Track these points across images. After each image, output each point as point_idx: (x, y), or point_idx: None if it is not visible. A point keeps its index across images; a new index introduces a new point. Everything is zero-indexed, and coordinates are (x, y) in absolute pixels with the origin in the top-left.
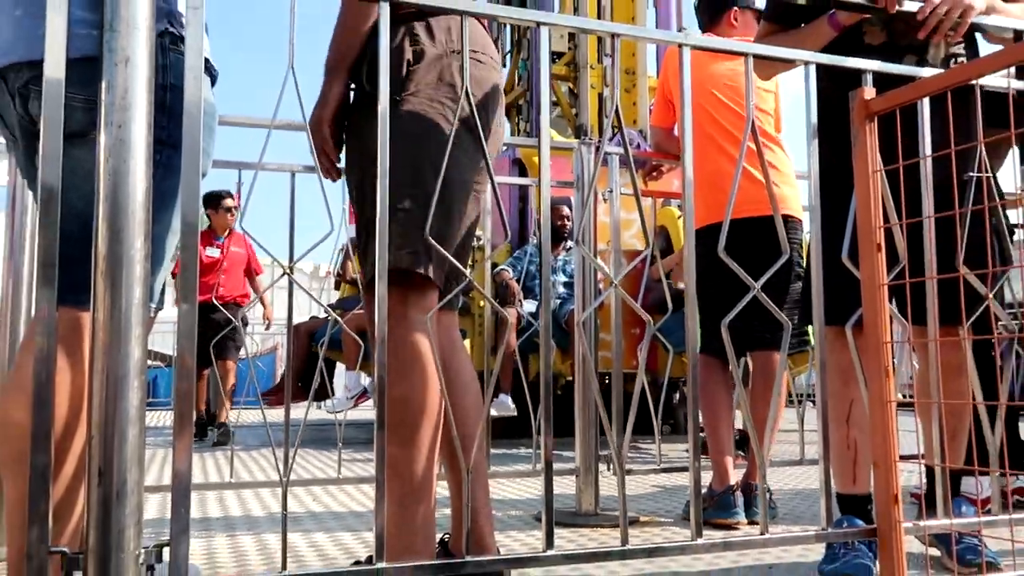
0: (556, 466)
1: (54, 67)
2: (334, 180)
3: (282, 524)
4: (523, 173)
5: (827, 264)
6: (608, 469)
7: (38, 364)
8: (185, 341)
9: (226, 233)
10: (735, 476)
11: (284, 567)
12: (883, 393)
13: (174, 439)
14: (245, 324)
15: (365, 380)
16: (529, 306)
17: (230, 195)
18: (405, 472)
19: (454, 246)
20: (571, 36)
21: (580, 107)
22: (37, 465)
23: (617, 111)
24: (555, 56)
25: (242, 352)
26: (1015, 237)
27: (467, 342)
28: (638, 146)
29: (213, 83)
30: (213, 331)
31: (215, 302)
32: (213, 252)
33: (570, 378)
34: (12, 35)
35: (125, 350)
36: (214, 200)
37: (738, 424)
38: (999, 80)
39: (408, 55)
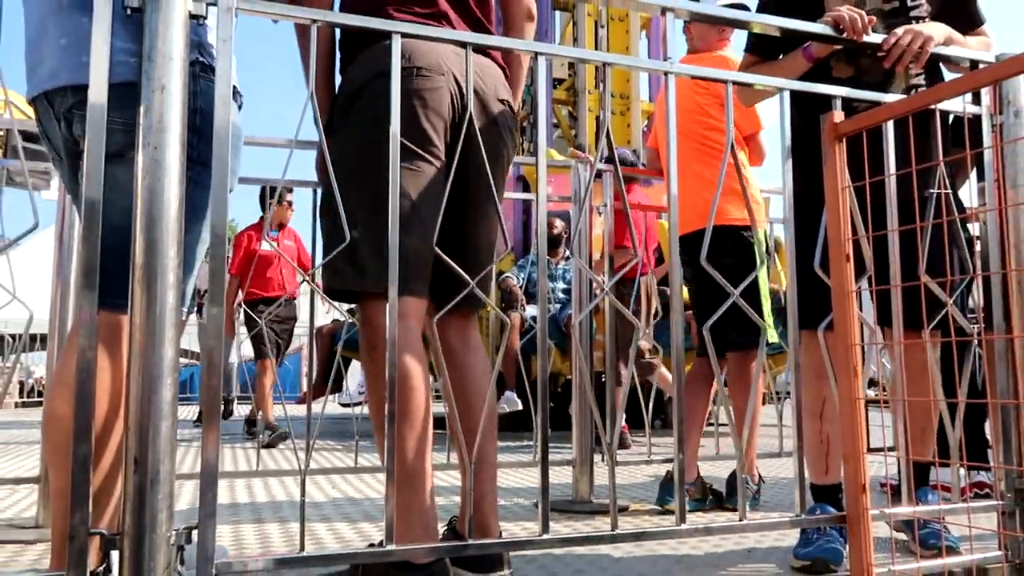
0: (555, 457)
1: (97, 92)
2: None
3: (300, 510)
4: (527, 189)
5: (801, 273)
6: (602, 460)
7: (80, 362)
8: (213, 342)
9: (279, 227)
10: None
11: (303, 548)
12: (852, 391)
13: (203, 431)
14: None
15: None
16: (532, 310)
17: (289, 190)
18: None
19: (404, 255)
20: (571, 64)
21: (579, 129)
22: (79, 455)
23: (608, 133)
24: (556, 82)
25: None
26: (976, 248)
27: None
28: (632, 164)
29: (240, 107)
30: (275, 324)
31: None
32: (266, 246)
33: (569, 377)
34: (57, 62)
35: (159, 351)
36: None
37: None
38: (956, 104)
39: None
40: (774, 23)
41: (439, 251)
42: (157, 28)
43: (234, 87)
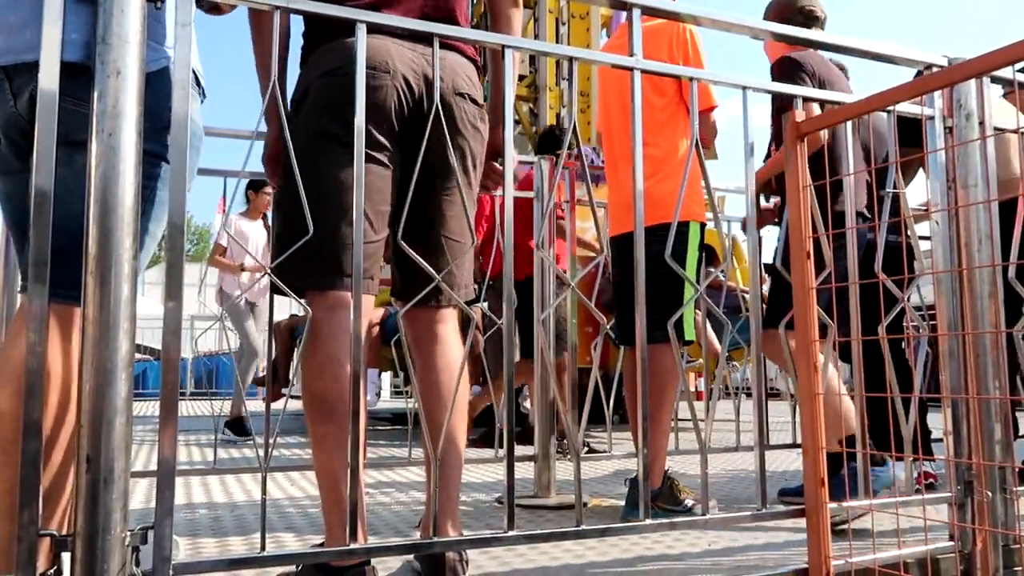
0: (518, 452)
1: (48, 76)
2: None
3: (261, 508)
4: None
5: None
6: (564, 456)
7: (30, 357)
8: (171, 337)
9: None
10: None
11: (263, 548)
12: (811, 386)
13: (160, 427)
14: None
15: None
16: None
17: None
18: (318, 455)
19: (326, 249)
20: (532, 60)
21: (539, 125)
22: (28, 451)
23: (575, 129)
24: (518, 78)
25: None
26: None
27: None
28: (592, 161)
29: (202, 100)
30: None
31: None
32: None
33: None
34: (34, 37)
35: (113, 344)
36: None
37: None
38: (912, 107)
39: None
40: (729, 20)
41: (404, 245)
42: (111, 10)
43: (197, 79)
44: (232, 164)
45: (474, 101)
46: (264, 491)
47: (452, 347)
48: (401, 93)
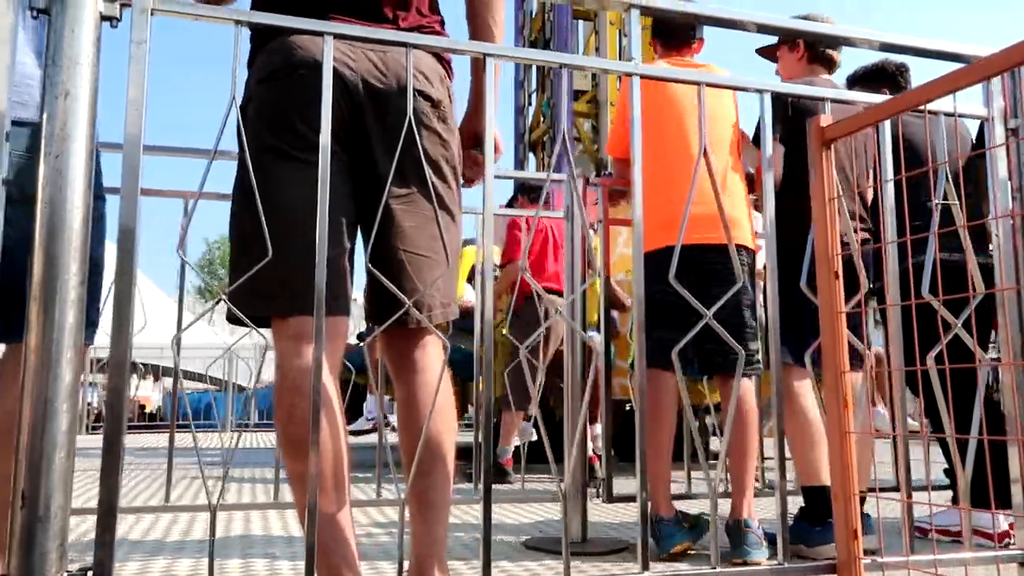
0: (545, 489)
1: None
2: None
3: (209, 549)
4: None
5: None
6: (597, 496)
7: None
8: (117, 365)
9: None
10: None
11: None
12: (841, 423)
13: (102, 462)
14: None
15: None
16: None
17: None
18: (296, 496)
19: (281, 272)
20: (593, 75)
21: (601, 143)
22: None
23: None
24: (577, 94)
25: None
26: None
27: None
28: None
29: None
30: None
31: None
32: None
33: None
34: None
35: (55, 372)
36: None
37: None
38: (946, 104)
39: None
40: (746, 18)
41: (372, 267)
42: (63, 31)
43: None
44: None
45: (427, 97)
46: (212, 532)
47: (432, 377)
48: (335, 90)
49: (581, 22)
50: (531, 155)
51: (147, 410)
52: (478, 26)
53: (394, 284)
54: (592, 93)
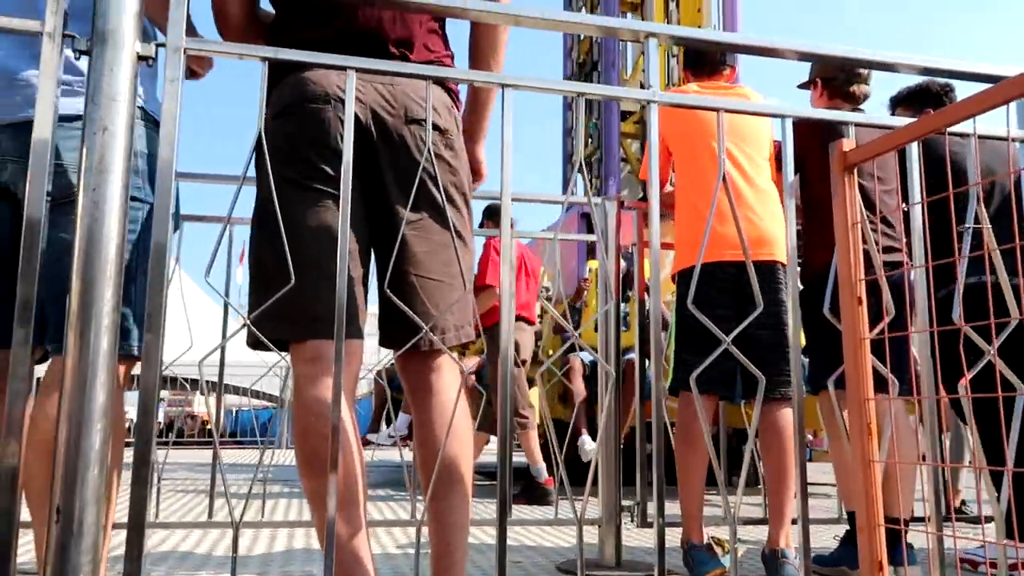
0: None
1: (42, 128)
2: None
3: (231, 566)
4: (591, 228)
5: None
6: (631, 521)
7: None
8: (151, 380)
9: None
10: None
11: None
12: (865, 452)
13: (132, 480)
14: None
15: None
16: (586, 355)
17: None
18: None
19: (299, 297)
20: None
21: None
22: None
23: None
24: (625, 115)
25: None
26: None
27: (534, 390)
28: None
29: None
30: None
31: None
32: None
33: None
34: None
35: (90, 395)
36: None
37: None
38: (989, 127)
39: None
40: (765, 43)
41: (389, 292)
42: (102, 70)
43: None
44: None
45: (435, 127)
46: (235, 549)
47: (447, 398)
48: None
49: (630, 44)
50: (578, 176)
51: (207, 426)
52: (479, 67)
53: (410, 307)
54: (640, 114)
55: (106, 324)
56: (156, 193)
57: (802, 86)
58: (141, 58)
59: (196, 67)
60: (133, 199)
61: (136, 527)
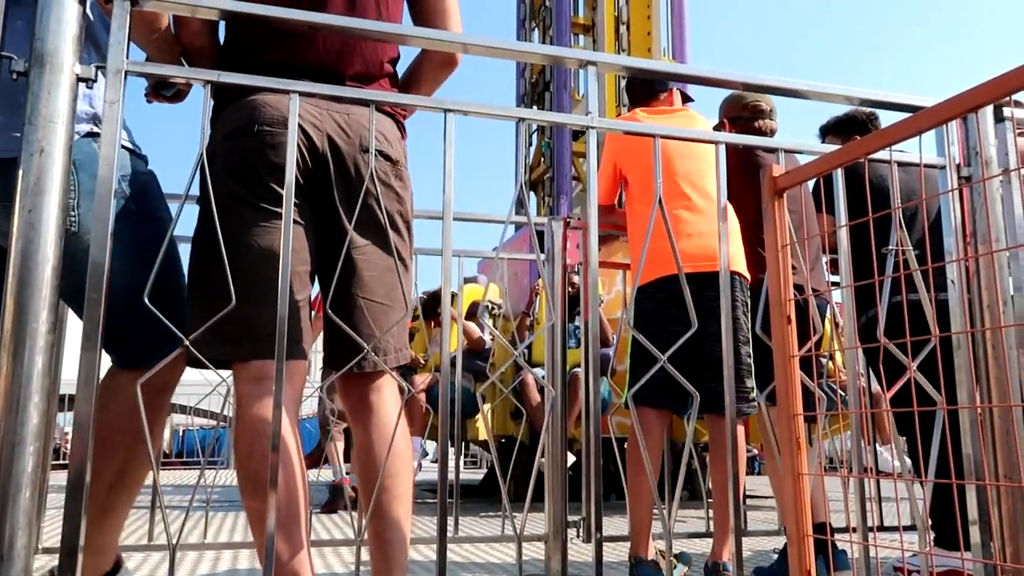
0: (529, 530)
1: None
2: None
3: None
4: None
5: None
6: (578, 536)
7: None
8: (83, 399)
9: None
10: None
11: None
12: (795, 465)
13: (66, 502)
14: None
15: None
16: (539, 371)
17: None
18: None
19: (243, 317)
20: None
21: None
22: None
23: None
24: (577, 134)
25: None
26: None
27: (487, 406)
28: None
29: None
30: None
31: None
32: None
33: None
34: None
35: (22, 417)
36: None
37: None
38: (897, 155)
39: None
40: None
41: (331, 313)
42: (39, 92)
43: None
44: None
45: (387, 157)
46: (172, 572)
47: (388, 418)
48: (301, 147)
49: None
50: (532, 194)
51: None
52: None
53: (352, 330)
54: None
55: (40, 345)
56: (95, 217)
57: (716, 128)
58: (80, 79)
59: (184, 87)
60: (148, 217)
61: (69, 551)
